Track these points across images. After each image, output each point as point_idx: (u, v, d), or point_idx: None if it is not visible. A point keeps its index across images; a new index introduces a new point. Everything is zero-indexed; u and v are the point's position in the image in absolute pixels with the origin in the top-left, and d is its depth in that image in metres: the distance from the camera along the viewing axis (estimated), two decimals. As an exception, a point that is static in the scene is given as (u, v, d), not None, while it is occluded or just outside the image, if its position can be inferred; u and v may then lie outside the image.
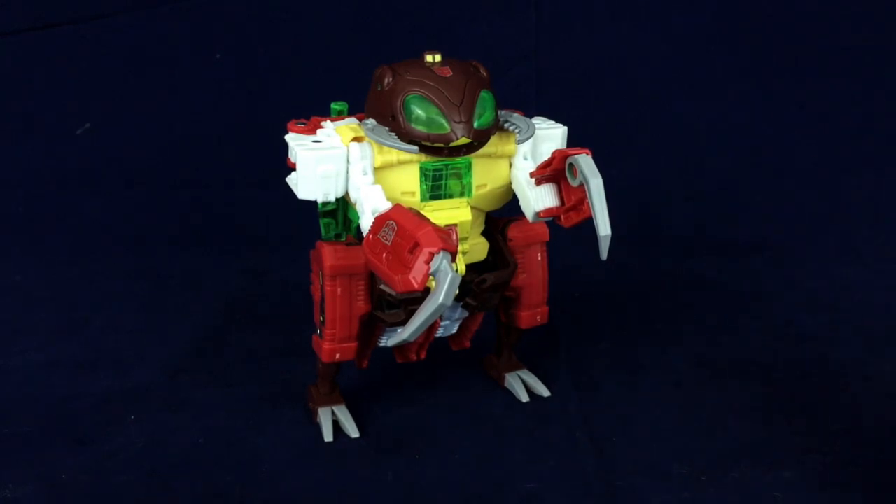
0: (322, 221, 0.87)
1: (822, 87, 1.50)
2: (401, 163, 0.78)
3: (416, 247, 0.67)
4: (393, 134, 0.77)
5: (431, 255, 0.66)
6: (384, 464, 0.84)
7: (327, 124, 0.82)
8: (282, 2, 1.49)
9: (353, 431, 0.88)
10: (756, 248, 1.37)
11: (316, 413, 0.90)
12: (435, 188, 0.79)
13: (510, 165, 0.82)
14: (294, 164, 0.79)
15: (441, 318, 0.89)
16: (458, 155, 0.78)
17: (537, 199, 0.80)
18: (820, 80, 1.50)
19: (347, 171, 0.78)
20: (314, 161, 0.77)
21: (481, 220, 0.85)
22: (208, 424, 0.90)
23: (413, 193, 0.79)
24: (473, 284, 0.84)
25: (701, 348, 1.06)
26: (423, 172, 0.79)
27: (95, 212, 1.46)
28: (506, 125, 0.81)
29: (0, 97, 1.50)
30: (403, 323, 0.82)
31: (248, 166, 1.46)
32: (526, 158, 0.82)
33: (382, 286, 0.82)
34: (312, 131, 0.81)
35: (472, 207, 0.81)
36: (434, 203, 0.80)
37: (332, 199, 0.79)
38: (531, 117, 0.85)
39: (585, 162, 0.74)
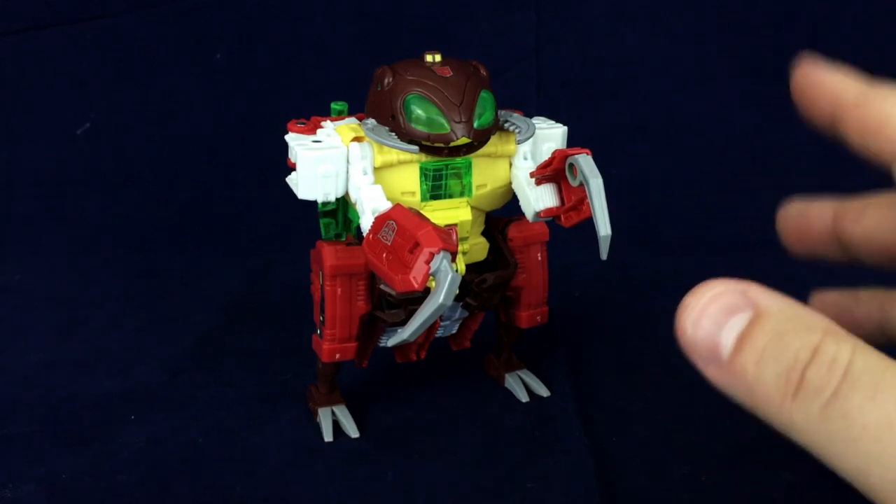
0: (322, 221, 0.87)
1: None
2: (401, 163, 0.78)
3: (416, 247, 0.67)
4: (393, 134, 0.76)
5: (432, 255, 0.66)
6: (384, 464, 0.84)
7: (327, 124, 0.82)
8: (282, 2, 1.49)
9: (353, 431, 0.88)
10: (756, 247, 1.37)
11: (316, 413, 0.90)
12: (435, 188, 0.79)
13: (510, 165, 0.82)
14: (294, 164, 0.79)
15: (441, 318, 0.89)
16: (458, 155, 0.78)
17: (537, 199, 0.80)
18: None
19: (347, 171, 0.78)
20: (314, 161, 0.77)
21: (481, 220, 0.85)
22: (208, 424, 0.90)
23: (413, 193, 0.79)
24: (473, 284, 0.84)
25: (701, 348, 1.06)
26: (424, 172, 0.79)
27: (95, 212, 1.46)
28: (506, 125, 0.81)
29: (0, 97, 1.50)
30: (404, 323, 0.82)
31: (248, 166, 1.47)
32: (526, 158, 0.82)
33: (383, 286, 0.82)
34: (312, 131, 0.81)
35: (472, 207, 0.81)
36: (434, 203, 0.80)
37: (332, 199, 0.79)
38: (531, 117, 0.85)
39: (585, 162, 0.74)
